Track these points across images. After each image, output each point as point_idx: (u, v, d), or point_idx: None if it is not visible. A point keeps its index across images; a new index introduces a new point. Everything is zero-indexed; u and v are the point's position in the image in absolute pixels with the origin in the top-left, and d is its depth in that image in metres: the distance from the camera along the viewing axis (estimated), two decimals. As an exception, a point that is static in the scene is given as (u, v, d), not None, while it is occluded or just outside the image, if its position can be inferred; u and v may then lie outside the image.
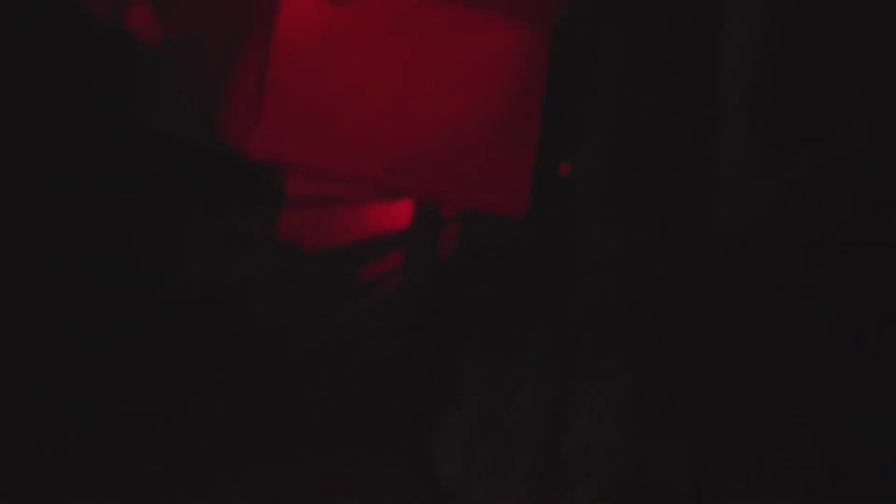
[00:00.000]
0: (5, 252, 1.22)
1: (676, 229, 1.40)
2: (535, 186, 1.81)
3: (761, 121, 1.16)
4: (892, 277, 0.88)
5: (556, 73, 1.88)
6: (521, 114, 1.88)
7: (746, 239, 1.12)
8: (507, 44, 1.89)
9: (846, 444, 0.87)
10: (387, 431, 1.40)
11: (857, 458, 0.85)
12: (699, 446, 0.98)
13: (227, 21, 1.52)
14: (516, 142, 1.86)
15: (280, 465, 1.24)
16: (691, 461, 0.97)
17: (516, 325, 1.71)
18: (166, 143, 1.48)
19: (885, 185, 0.93)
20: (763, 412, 0.94)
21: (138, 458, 1.12)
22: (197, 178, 1.55)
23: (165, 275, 1.50)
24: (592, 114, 1.82)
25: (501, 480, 1.25)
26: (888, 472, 0.83)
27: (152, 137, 1.44)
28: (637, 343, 1.19)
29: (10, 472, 1.01)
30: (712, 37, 1.44)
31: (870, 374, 0.86)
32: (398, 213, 1.93)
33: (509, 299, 1.79)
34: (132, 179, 1.48)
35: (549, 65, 1.89)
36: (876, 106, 0.94)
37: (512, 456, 1.25)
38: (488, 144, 1.84)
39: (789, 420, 0.91)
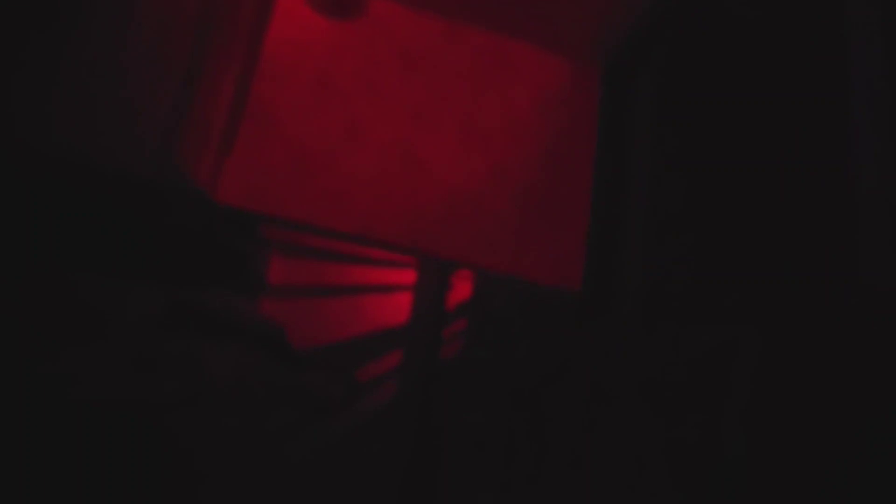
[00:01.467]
0: None
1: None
2: (589, 254, 1.48)
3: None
4: None
5: (611, 117, 1.59)
6: (570, 165, 1.55)
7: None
8: (551, 80, 1.59)
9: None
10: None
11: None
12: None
13: (195, 27, 1.22)
14: (564, 199, 1.51)
15: None
16: None
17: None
18: (113, 183, 1.18)
19: None
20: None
21: None
22: (149, 243, 1.27)
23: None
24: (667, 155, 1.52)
25: None
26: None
27: (95, 175, 1.14)
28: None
29: None
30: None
31: None
32: (398, 306, 1.65)
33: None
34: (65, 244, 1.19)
35: (601, 108, 1.59)
36: None
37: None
38: (529, 201, 1.49)
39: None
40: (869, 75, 1.10)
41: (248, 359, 1.21)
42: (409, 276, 1.65)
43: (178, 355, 1.19)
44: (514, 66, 1.60)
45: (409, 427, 1.33)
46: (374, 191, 1.39)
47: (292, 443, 1.29)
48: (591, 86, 1.64)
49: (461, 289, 1.70)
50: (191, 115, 1.21)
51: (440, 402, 1.40)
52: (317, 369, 1.29)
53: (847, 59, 1.16)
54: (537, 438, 1.38)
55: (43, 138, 1.09)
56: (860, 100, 1.13)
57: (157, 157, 1.20)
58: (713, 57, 1.47)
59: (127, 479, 1.12)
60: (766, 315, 1.17)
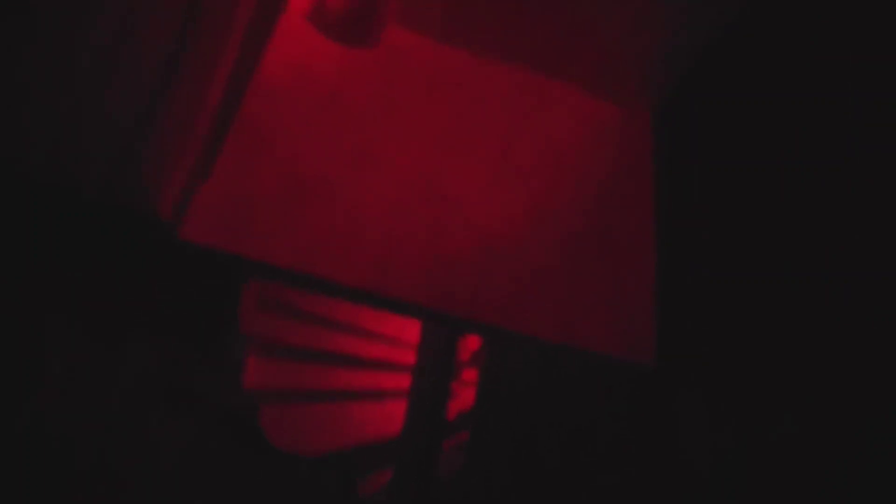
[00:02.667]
0: None
1: None
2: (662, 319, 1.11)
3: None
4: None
5: (667, 164, 1.30)
6: (626, 212, 1.25)
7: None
8: (597, 123, 1.35)
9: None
10: None
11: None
12: None
13: (177, 22, 0.99)
14: (623, 252, 1.20)
15: None
16: None
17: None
18: (52, 205, 0.89)
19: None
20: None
21: None
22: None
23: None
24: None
25: None
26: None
27: (29, 195, 0.86)
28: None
29: None
30: None
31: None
32: (391, 414, 1.33)
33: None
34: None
35: (655, 156, 1.31)
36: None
37: None
38: (581, 251, 1.18)
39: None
40: None
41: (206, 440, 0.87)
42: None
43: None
44: (554, 106, 1.38)
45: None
46: (389, 230, 1.10)
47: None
48: (642, 130, 1.41)
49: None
50: (160, 128, 0.97)
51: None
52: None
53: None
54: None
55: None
56: None
57: (110, 175, 0.94)
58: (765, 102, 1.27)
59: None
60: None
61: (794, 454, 1.04)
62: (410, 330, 1.88)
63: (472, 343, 1.91)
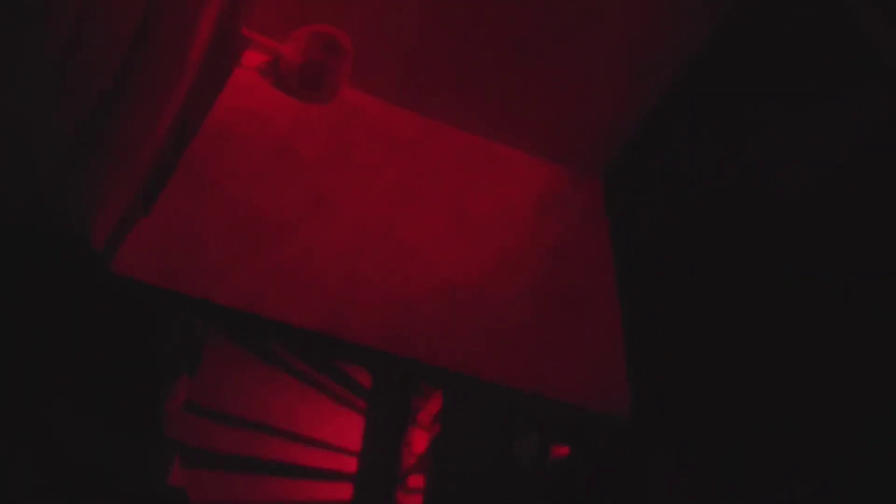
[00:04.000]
0: None
1: None
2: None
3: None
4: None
5: (621, 219, 1.33)
6: (585, 261, 1.25)
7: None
8: (547, 184, 1.37)
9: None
10: None
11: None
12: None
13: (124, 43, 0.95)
14: (588, 297, 1.19)
15: None
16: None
17: None
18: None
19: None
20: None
21: None
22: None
23: None
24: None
25: None
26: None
27: None
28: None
29: None
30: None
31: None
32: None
33: None
34: None
35: (608, 211, 1.32)
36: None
37: None
38: (546, 297, 1.16)
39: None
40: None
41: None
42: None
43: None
44: (506, 168, 1.40)
45: None
46: (345, 273, 1.03)
47: None
48: (593, 190, 1.44)
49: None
50: (99, 155, 0.91)
51: None
52: None
53: None
54: None
55: None
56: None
57: (38, 198, 0.86)
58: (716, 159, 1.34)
59: None
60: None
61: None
62: (350, 435, 1.76)
63: (418, 443, 1.79)
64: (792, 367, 1.10)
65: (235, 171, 1.11)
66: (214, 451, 1.54)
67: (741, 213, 1.26)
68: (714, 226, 1.29)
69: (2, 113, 0.78)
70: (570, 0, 1.23)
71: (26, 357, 0.89)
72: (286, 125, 1.23)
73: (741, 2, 1.19)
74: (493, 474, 1.38)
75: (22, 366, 0.89)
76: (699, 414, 1.19)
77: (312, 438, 1.67)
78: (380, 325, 1.01)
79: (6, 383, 0.89)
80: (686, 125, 1.31)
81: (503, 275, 1.18)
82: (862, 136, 1.10)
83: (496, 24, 1.28)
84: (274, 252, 1.02)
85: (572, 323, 1.16)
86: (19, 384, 0.89)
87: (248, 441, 1.63)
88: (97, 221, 0.86)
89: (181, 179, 1.04)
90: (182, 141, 1.07)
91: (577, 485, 1.26)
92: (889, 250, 1.02)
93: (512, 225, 1.28)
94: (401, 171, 1.26)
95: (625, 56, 1.30)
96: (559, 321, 1.16)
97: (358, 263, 1.07)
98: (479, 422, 1.50)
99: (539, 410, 1.07)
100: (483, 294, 1.13)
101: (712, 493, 1.12)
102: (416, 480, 1.65)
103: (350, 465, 1.68)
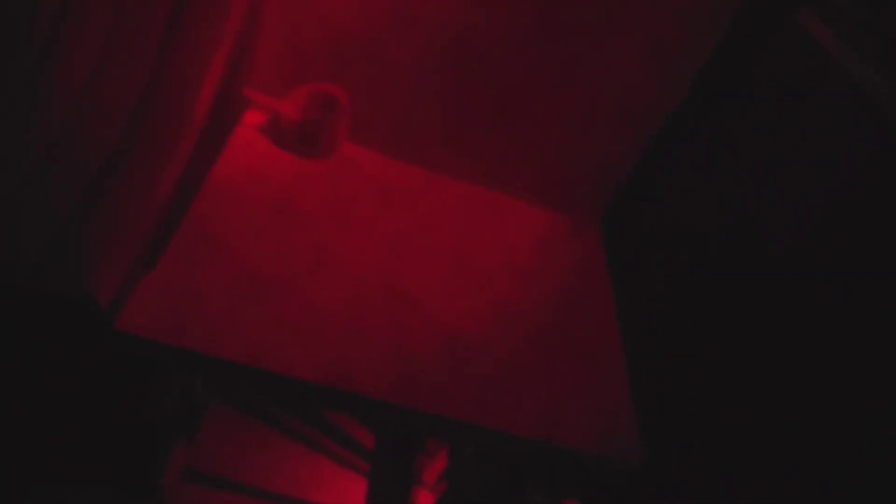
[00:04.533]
0: None
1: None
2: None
3: None
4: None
5: (620, 264, 1.36)
6: (589, 309, 1.25)
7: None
8: (548, 231, 1.38)
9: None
10: None
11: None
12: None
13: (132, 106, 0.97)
14: (593, 346, 1.18)
15: None
16: None
17: None
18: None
19: None
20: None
21: None
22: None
23: None
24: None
25: None
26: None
27: None
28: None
29: None
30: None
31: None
32: None
33: None
34: None
35: (608, 257, 1.34)
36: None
37: None
38: (550, 346, 1.15)
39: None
40: None
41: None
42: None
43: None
44: (506, 216, 1.41)
45: None
46: (349, 326, 1.02)
47: None
48: (593, 235, 1.45)
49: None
50: (103, 214, 0.91)
51: None
52: None
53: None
54: None
55: None
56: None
57: (45, 258, 0.85)
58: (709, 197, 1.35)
59: None
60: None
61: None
62: (354, 498, 1.70)
63: (423, 503, 1.74)
64: (795, 410, 1.08)
65: (237, 226, 1.11)
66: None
67: (738, 256, 1.26)
68: (713, 269, 1.30)
69: (4, 177, 0.79)
70: (558, 55, 1.28)
71: (23, 424, 0.86)
72: (286, 181, 1.24)
73: (724, 48, 1.24)
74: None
75: (19, 433, 0.86)
76: (709, 460, 1.16)
77: (316, 503, 1.61)
78: (385, 376, 0.99)
79: (3, 448, 0.86)
80: (679, 170, 1.34)
81: (506, 323, 1.18)
82: (855, 179, 1.12)
83: (488, 79, 1.32)
84: (276, 305, 1.01)
85: (577, 370, 1.15)
86: (15, 452, 0.86)
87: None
88: (102, 279, 0.85)
89: (184, 236, 1.05)
90: (185, 199, 1.08)
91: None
92: (881, 284, 1.02)
93: (513, 274, 1.28)
94: (400, 223, 1.27)
95: (613, 106, 1.33)
96: (564, 369, 1.14)
97: (361, 315, 1.06)
98: (486, 479, 1.46)
99: (547, 461, 1.04)
100: (487, 343, 1.12)
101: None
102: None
103: (354, 529, 1.62)
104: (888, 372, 0.95)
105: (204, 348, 0.89)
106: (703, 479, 1.12)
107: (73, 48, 0.97)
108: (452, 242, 1.29)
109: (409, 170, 1.42)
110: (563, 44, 1.26)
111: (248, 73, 1.29)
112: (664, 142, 1.34)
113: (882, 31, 1.23)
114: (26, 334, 0.85)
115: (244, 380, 0.92)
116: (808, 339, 1.08)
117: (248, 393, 1.70)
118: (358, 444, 1.77)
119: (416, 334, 1.07)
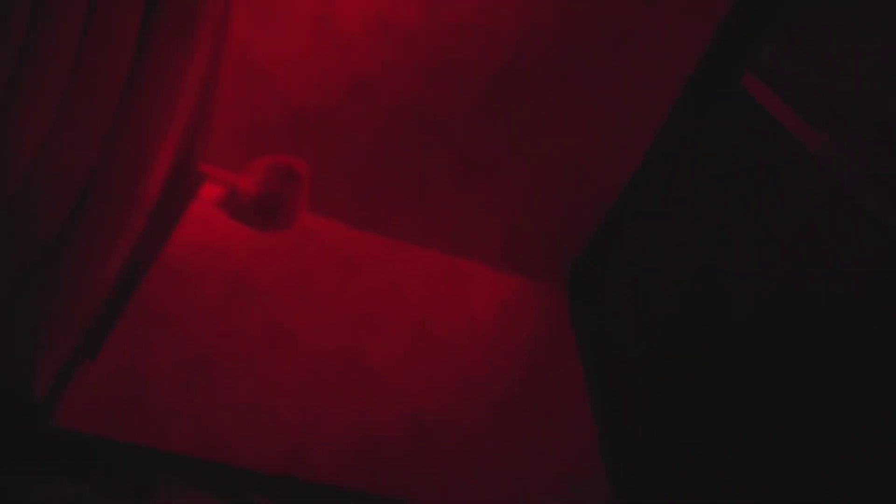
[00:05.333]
0: None
1: None
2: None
3: None
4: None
5: (585, 328, 1.35)
6: (556, 378, 1.21)
7: None
8: (512, 297, 1.36)
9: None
10: None
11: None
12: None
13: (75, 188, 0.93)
14: (561, 417, 1.14)
15: None
16: None
17: None
18: None
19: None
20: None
21: None
22: None
23: None
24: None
25: None
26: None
27: None
28: None
29: None
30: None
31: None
32: None
33: None
34: None
35: (573, 321, 1.32)
36: None
37: None
38: (516, 419, 1.11)
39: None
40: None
41: None
42: None
43: None
44: (469, 282, 1.39)
45: None
46: (308, 407, 0.97)
47: None
48: (557, 299, 1.43)
49: None
50: (44, 296, 0.86)
51: None
52: None
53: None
54: None
55: None
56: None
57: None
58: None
59: None
60: None
61: None
62: None
63: None
64: (763, 466, 1.06)
65: (189, 306, 1.07)
66: None
67: (701, 315, 1.26)
68: (676, 328, 1.29)
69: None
70: (515, 124, 1.29)
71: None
72: (243, 255, 1.22)
73: (675, 114, 1.27)
74: None
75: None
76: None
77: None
78: (345, 460, 0.94)
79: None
80: (639, 231, 1.34)
81: (471, 396, 1.14)
82: (809, 238, 1.14)
83: (448, 147, 1.32)
84: (230, 389, 0.96)
85: (546, 439, 1.11)
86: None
87: None
88: (38, 370, 0.81)
89: (131, 319, 1.00)
90: (132, 280, 1.04)
91: None
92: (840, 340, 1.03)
93: (477, 341, 1.25)
94: (362, 294, 1.24)
95: (571, 172, 1.34)
96: (532, 439, 1.10)
97: (319, 395, 1.02)
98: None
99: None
100: (452, 418, 1.08)
101: None
102: None
103: None
104: (849, 433, 0.94)
105: (147, 441, 0.84)
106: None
107: (22, 116, 0.95)
108: (416, 312, 1.27)
109: (370, 238, 1.40)
110: (519, 113, 1.27)
111: (204, 148, 1.28)
112: (624, 204, 1.35)
113: (821, 89, 1.28)
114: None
115: (193, 474, 0.86)
116: (771, 395, 1.07)
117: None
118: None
119: (378, 412, 1.03)
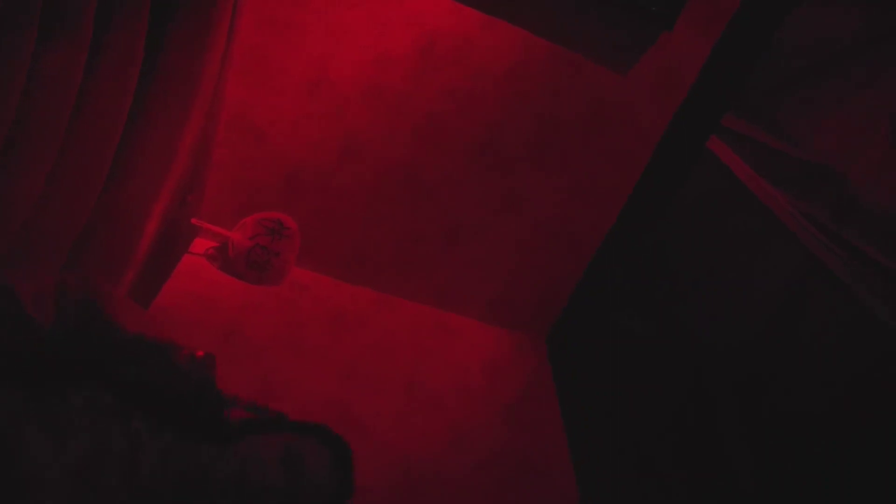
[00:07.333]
0: None
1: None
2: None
3: None
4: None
5: (566, 380, 1.37)
6: (539, 429, 1.25)
7: None
8: (497, 349, 1.40)
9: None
10: None
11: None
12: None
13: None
14: (542, 467, 1.16)
15: None
16: None
17: None
18: None
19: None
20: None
21: None
22: None
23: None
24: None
25: None
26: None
27: None
28: None
29: None
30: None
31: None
32: None
33: None
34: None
35: (555, 372, 1.34)
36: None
37: None
38: (501, 470, 1.13)
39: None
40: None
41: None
42: None
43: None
44: (456, 335, 1.42)
45: None
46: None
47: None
48: (539, 352, 1.46)
49: None
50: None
51: None
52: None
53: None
54: None
55: None
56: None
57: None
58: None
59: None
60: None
61: None
62: None
63: None
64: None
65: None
66: None
67: (680, 365, 1.30)
68: (655, 379, 1.33)
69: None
70: (499, 187, 1.35)
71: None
72: (234, 309, 1.24)
73: (648, 176, 1.33)
74: None
75: None
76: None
77: None
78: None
79: None
80: (618, 286, 1.39)
81: (458, 445, 1.16)
82: (781, 298, 1.19)
83: (435, 207, 1.37)
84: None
85: (529, 488, 1.13)
86: None
87: None
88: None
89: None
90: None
91: None
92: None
93: (463, 393, 1.28)
94: (351, 348, 1.27)
95: (553, 231, 1.40)
96: (516, 487, 1.12)
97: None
98: None
99: None
100: (440, 467, 1.09)
101: None
102: None
103: None
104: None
105: None
106: None
107: (16, 181, 0.97)
108: (404, 364, 1.29)
109: (360, 292, 1.43)
110: (502, 176, 1.33)
111: (198, 205, 1.31)
112: (603, 261, 1.40)
113: (780, 151, 1.36)
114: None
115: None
116: (747, 444, 1.10)
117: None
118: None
119: (367, 464, 1.04)
